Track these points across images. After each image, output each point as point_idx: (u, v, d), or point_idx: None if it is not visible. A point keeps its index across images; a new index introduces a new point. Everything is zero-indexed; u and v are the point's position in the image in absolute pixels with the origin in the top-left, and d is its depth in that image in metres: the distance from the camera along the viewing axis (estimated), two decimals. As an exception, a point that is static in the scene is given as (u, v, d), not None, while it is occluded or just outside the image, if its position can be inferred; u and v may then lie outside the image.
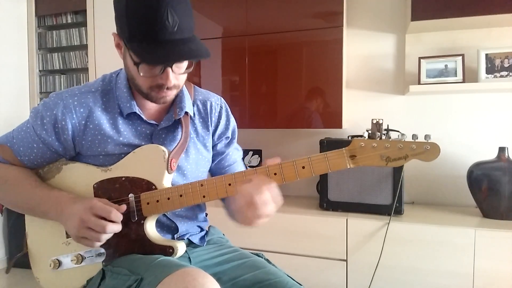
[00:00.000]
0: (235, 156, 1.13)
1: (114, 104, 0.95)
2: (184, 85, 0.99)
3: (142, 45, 0.79)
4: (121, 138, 0.93)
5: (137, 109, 0.93)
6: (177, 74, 0.87)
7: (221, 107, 1.08)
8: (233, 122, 1.11)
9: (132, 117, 0.95)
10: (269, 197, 0.80)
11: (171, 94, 0.89)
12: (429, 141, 0.78)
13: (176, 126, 0.98)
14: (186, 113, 0.99)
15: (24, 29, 2.84)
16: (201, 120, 1.04)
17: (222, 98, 1.11)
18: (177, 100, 0.99)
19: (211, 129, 1.06)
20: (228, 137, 1.10)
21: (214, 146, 1.08)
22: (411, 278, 1.69)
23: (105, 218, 0.83)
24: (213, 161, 1.09)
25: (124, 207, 0.88)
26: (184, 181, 1.00)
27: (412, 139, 0.79)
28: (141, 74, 0.83)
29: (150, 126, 0.97)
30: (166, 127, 0.97)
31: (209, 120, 1.05)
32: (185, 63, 0.87)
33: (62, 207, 0.88)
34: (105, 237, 0.84)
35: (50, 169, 0.98)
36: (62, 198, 0.89)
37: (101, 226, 0.82)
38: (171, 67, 0.83)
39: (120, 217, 0.85)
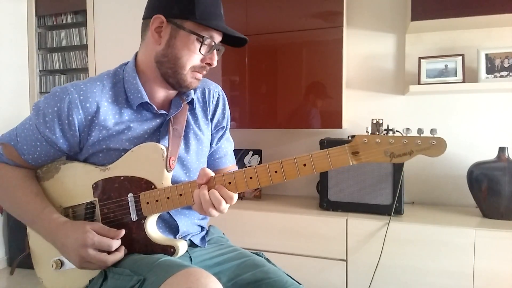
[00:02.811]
0: (226, 149, 1.14)
1: (121, 98, 0.94)
2: None
3: (211, 21, 0.89)
4: (126, 131, 0.93)
5: (147, 99, 0.93)
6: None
7: (219, 95, 1.10)
8: (228, 112, 1.13)
9: (141, 110, 0.95)
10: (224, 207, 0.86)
11: (201, 78, 0.97)
12: (435, 136, 0.76)
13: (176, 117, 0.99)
14: (191, 102, 1.02)
15: (24, 29, 2.84)
16: (200, 108, 1.05)
17: (219, 86, 1.13)
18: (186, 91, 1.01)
19: (209, 116, 1.07)
20: (224, 127, 1.12)
21: (211, 136, 1.09)
22: (411, 278, 1.69)
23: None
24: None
25: (123, 232, 0.89)
26: (185, 172, 1.00)
27: (418, 134, 0.76)
28: (201, 51, 0.91)
29: (160, 117, 0.97)
30: (174, 115, 0.97)
31: (208, 107, 1.06)
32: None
33: (54, 235, 0.88)
34: (109, 265, 0.87)
35: (48, 169, 0.97)
36: (53, 224, 0.89)
37: (102, 261, 0.85)
38: (218, 49, 0.95)
39: (119, 243, 0.88)
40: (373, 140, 0.78)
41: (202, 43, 0.89)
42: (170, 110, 0.98)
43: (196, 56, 0.91)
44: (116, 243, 0.87)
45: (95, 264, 0.85)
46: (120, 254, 0.88)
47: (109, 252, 0.86)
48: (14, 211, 0.94)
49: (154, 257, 0.84)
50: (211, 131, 1.09)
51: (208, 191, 0.85)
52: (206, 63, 0.94)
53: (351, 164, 0.79)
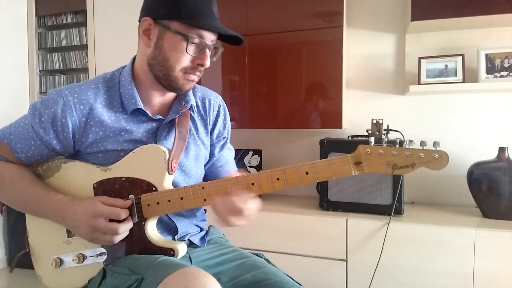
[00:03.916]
0: (227, 157, 1.14)
1: (116, 102, 0.94)
2: None
3: (198, 20, 0.87)
4: (123, 133, 0.93)
5: (141, 105, 0.93)
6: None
7: (219, 105, 1.09)
8: (229, 121, 1.13)
9: (137, 114, 0.95)
10: (253, 207, 0.84)
11: (196, 80, 0.94)
12: (437, 149, 0.76)
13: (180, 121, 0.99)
14: (191, 108, 1.01)
15: (24, 29, 2.84)
16: (199, 117, 1.05)
17: (220, 96, 1.12)
18: (181, 94, 1.01)
19: (210, 127, 1.07)
20: (225, 137, 1.12)
21: (211, 146, 1.09)
22: (411, 278, 1.69)
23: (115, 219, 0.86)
24: (208, 162, 1.10)
25: (129, 201, 0.89)
26: (184, 177, 1.00)
27: (421, 146, 0.77)
28: (188, 51, 0.88)
29: (156, 122, 0.97)
30: (170, 121, 0.97)
31: (208, 117, 1.06)
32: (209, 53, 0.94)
33: (63, 214, 0.88)
34: (120, 237, 0.87)
35: (49, 167, 0.97)
36: (60, 203, 0.89)
37: (113, 229, 0.85)
38: (210, 49, 0.91)
39: (127, 213, 0.88)
40: (376, 151, 0.79)
41: (188, 43, 0.87)
42: (167, 115, 0.98)
43: (185, 57, 0.89)
44: (125, 212, 0.87)
45: (106, 234, 0.85)
46: (129, 224, 0.88)
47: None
48: (16, 203, 0.95)
49: (153, 257, 0.85)
50: (211, 141, 1.09)
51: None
52: (198, 64, 0.91)
53: (353, 174, 0.80)
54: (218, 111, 1.08)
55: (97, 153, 0.93)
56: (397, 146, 0.78)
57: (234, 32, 0.91)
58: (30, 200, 0.92)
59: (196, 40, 0.88)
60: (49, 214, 0.91)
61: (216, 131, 1.08)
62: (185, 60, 0.89)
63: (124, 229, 0.86)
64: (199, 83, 2.22)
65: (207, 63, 0.91)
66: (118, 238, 0.87)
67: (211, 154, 1.10)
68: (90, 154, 0.94)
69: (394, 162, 0.77)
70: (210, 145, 1.09)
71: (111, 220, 0.86)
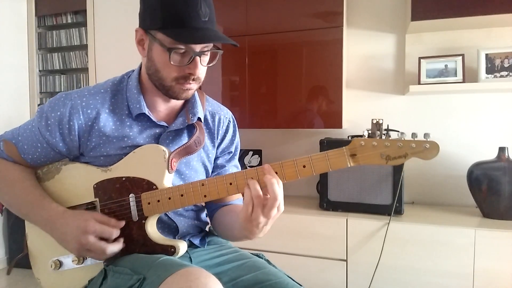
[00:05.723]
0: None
1: (122, 105, 0.95)
2: (196, 92, 1.01)
3: (177, 30, 0.82)
4: (126, 139, 0.93)
5: (146, 110, 0.93)
6: (202, 66, 0.89)
7: (229, 121, 1.09)
8: (238, 138, 1.12)
9: (142, 118, 0.95)
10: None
11: (193, 88, 0.91)
12: (428, 139, 0.79)
13: (184, 131, 0.99)
14: (199, 119, 1.00)
15: (24, 29, 2.84)
16: (207, 131, 1.05)
17: (230, 112, 1.12)
18: (189, 105, 1.00)
19: (217, 142, 1.06)
20: (231, 152, 1.11)
21: (215, 159, 1.09)
22: (411, 278, 1.69)
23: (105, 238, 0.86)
24: (212, 173, 1.09)
25: (122, 223, 0.89)
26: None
27: (412, 137, 0.80)
28: (172, 62, 0.84)
29: (160, 128, 0.96)
30: (175, 130, 0.97)
31: (216, 133, 1.06)
32: (207, 58, 0.91)
33: (52, 224, 0.88)
34: (106, 257, 0.86)
35: (49, 170, 0.98)
36: (52, 212, 0.89)
37: (102, 249, 0.85)
38: (200, 56, 0.86)
39: (118, 233, 0.88)
40: (369, 143, 0.81)
41: (170, 54, 0.83)
42: (172, 124, 0.97)
43: (172, 67, 0.86)
44: (117, 232, 0.87)
45: (94, 252, 0.85)
46: (119, 246, 0.87)
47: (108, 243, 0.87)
48: (12, 204, 0.95)
49: (154, 257, 0.84)
50: (216, 155, 1.08)
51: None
52: (188, 73, 0.87)
53: (349, 166, 0.82)
54: (228, 126, 1.08)
55: (99, 156, 0.94)
56: (390, 138, 0.81)
57: (221, 38, 0.85)
58: (25, 204, 0.92)
59: (182, 50, 0.84)
60: (40, 221, 0.91)
61: (222, 146, 1.08)
62: (174, 71, 0.87)
63: (112, 250, 0.86)
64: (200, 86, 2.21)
65: (197, 72, 0.87)
66: (104, 257, 0.87)
67: (218, 166, 1.09)
68: (93, 157, 0.94)
69: (388, 154, 0.80)
70: (215, 158, 1.09)
71: (102, 239, 0.86)
